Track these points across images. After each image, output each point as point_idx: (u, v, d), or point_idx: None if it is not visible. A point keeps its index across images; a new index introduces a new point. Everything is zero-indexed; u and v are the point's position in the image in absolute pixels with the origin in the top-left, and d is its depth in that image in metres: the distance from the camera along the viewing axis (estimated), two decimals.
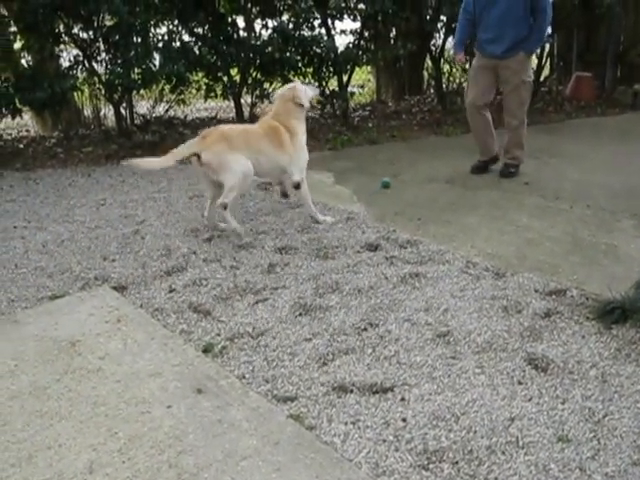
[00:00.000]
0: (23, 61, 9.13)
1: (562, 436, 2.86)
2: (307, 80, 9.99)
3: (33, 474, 2.68)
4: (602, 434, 2.88)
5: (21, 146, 9.24)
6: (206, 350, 3.62)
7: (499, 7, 6.64)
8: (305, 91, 5.62)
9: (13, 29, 8.72)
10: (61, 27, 8.63)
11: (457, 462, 2.71)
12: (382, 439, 2.87)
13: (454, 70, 12.38)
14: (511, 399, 3.13)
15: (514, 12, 6.60)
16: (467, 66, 11.63)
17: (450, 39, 11.42)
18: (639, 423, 2.94)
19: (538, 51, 10.64)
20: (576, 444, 2.81)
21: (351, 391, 3.21)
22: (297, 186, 5.55)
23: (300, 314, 4.02)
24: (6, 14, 8.69)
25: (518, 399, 3.13)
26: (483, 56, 6.98)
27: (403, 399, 3.15)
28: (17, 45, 9.15)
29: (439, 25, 11.13)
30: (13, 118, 8.67)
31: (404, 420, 2.99)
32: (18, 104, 8.29)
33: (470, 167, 7.40)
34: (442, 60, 11.77)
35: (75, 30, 8.74)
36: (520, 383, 3.27)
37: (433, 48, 11.56)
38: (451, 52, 11.99)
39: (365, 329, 3.81)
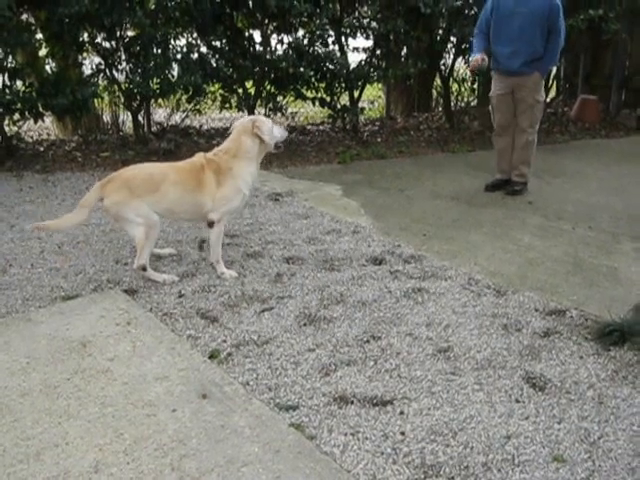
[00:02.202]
0: (47, 67, 9.27)
1: (557, 456, 2.94)
2: (319, 95, 10.10)
3: (40, 471, 2.76)
4: (597, 455, 2.95)
5: (41, 149, 9.36)
6: (212, 356, 3.71)
7: (517, 23, 6.79)
8: (270, 127, 5.03)
9: (39, 36, 8.87)
10: (85, 36, 8.78)
11: (453, 477, 2.79)
12: (380, 451, 2.95)
13: (462, 89, 12.48)
14: (508, 417, 3.21)
15: (531, 29, 6.77)
16: (472, 81, 11.78)
17: (459, 60, 11.56)
18: (634, 446, 3.02)
19: None
20: (571, 464, 2.89)
21: (352, 402, 3.30)
22: (211, 224, 4.84)
23: (305, 324, 4.11)
24: (33, 22, 8.83)
25: (515, 417, 3.21)
26: (499, 75, 7.11)
27: (402, 412, 3.23)
28: (42, 52, 9.31)
29: (449, 45, 11.26)
30: (35, 122, 8.79)
31: (403, 433, 3.07)
32: (41, 108, 8.44)
33: (485, 185, 7.49)
34: (451, 79, 11.89)
35: (98, 39, 8.90)
36: (518, 401, 3.34)
37: (443, 67, 11.67)
38: (460, 72, 12.15)
39: (368, 341, 3.90)
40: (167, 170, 4.78)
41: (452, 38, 10.91)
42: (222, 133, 10.48)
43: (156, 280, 4.70)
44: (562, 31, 6.82)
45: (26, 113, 8.48)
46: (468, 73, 12.01)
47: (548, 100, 12.19)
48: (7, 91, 8.30)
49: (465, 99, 12.60)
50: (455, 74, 12.09)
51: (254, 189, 5.42)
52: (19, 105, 8.33)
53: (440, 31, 10.73)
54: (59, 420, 3.11)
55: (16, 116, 8.57)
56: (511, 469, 2.84)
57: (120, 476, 2.74)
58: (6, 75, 8.43)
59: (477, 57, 7.08)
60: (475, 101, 12.54)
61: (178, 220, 5.45)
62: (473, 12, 10.06)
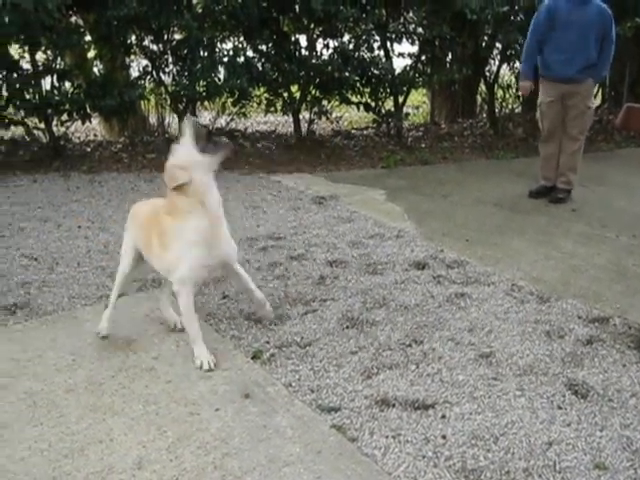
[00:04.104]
0: (95, 69, 9.44)
1: (599, 463, 2.91)
2: (364, 99, 10.12)
3: (85, 466, 2.81)
4: (639, 464, 2.92)
5: (88, 149, 9.53)
6: (255, 356, 3.75)
7: (572, 31, 6.77)
8: (190, 158, 3.59)
9: (87, 39, 9.03)
10: (133, 39, 8.95)
11: None
12: (422, 454, 2.95)
13: (507, 96, 12.40)
14: (550, 423, 3.19)
15: (586, 37, 6.77)
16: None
17: (504, 66, 11.50)
18: None
19: None
20: (613, 472, 2.86)
21: (393, 405, 3.31)
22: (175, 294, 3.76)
23: (347, 327, 4.13)
24: (82, 24, 9.00)
25: (557, 424, 3.19)
26: (550, 82, 7.08)
27: (444, 416, 3.23)
28: (90, 54, 9.48)
29: (494, 52, 11.22)
30: (83, 123, 8.97)
31: (444, 437, 3.07)
32: (88, 109, 8.62)
33: (529, 191, 7.45)
34: (496, 85, 11.83)
35: (146, 42, 9.05)
36: (560, 408, 3.32)
37: (487, 74, 11.63)
38: (504, 78, 12.05)
39: (410, 345, 3.90)
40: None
41: (497, 44, 10.88)
42: (267, 136, 10.59)
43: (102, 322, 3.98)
44: (614, 39, 6.82)
45: (74, 114, 8.67)
46: (513, 79, 11.93)
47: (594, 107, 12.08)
48: (56, 92, 8.49)
49: (510, 105, 12.52)
50: (500, 80, 12.02)
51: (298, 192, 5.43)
52: (67, 106, 8.52)
53: (485, 37, 10.70)
54: (103, 416, 3.17)
55: (64, 117, 8.75)
56: (552, 475, 2.82)
57: (163, 473, 2.77)
58: (55, 76, 8.63)
59: (526, 86, 7.35)
60: (520, 108, 12.44)
61: None
62: (519, 18, 10.00)
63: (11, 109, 8.56)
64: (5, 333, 4.00)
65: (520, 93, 8.85)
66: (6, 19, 7.46)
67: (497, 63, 11.42)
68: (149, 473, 2.78)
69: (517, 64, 10.82)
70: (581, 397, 3.41)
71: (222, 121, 10.46)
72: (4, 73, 8.34)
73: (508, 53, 10.80)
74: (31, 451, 2.89)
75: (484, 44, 10.78)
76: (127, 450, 2.92)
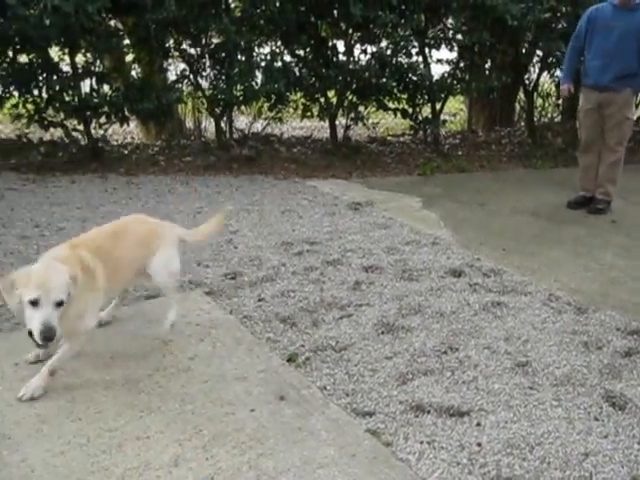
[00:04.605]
0: (133, 72, 9.53)
1: (637, 476, 2.89)
2: (401, 106, 10.12)
3: (122, 462, 2.84)
4: None
5: (125, 152, 9.62)
6: (290, 359, 3.76)
7: (612, 36, 6.74)
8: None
9: (126, 42, 9.14)
10: (171, 42, 9.04)
11: None
12: (456, 461, 2.94)
13: (547, 104, 12.31)
14: (587, 434, 3.16)
15: (626, 45, 6.72)
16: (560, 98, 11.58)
17: (544, 74, 11.41)
18: None
19: None
20: None
21: (428, 412, 3.30)
22: None
23: (383, 332, 4.13)
24: (121, 28, 9.10)
25: (594, 435, 3.16)
26: (589, 89, 7.04)
27: (479, 424, 3.21)
28: (129, 57, 9.59)
29: (534, 59, 11.14)
30: (121, 125, 9.08)
31: (479, 445, 3.06)
32: (126, 112, 8.72)
33: (567, 201, 7.39)
34: (535, 94, 11.75)
35: (184, 46, 9.14)
36: (597, 419, 3.29)
37: (527, 81, 11.55)
38: (544, 86, 11.96)
39: (445, 352, 3.89)
40: None
41: (538, 52, 10.79)
42: (303, 142, 10.62)
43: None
44: None
45: (112, 116, 8.76)
46: (553, 88, 11.85)
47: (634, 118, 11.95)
48: (94, 94, 8.60)
49: (549, 114, 12.44)
50: (540, 89, 11.95)
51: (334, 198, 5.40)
52: (106, 108, 8.62)
53: (526, 44, 10.63)
54: (141, 414, 3.19)
55: (103, 119, 8.84)
56: None
57: (199, 471, 2.79)
58: (94, 79, 8.73)
59: (564, 88, 7.32)
60: (559, 117, 12.35)
61: None
62: (561, 26, 9.93)
63: (51, 111, 8.67)
64: None
65: (559, 101, 8.86)
66: (47, 22, 7.55)
67: (537, 71, 11.35)
68: (185, 471, 2.80)
69: (558, 72, 10.73)
70: (619, 409, 3.38)
71: (258, 126, 10.51)
72: (44, 75, 8.46)
73: (549, 61, 10.71)
74: (70, 445, 2.93)
75: (524, 51, 10.72)
76: (163, 447, 2.94)
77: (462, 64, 10.41)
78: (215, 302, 4.48)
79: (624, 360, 3.87)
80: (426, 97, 10.27)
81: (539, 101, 12.17)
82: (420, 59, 10.04)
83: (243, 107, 9.99)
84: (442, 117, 10.86)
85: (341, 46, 9.79)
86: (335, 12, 9.30)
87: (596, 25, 6.84)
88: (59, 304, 3.05)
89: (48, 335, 2.98)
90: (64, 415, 3.16)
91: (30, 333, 3.03)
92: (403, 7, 9.40)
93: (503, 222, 6.71)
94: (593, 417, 3.31)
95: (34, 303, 2.99)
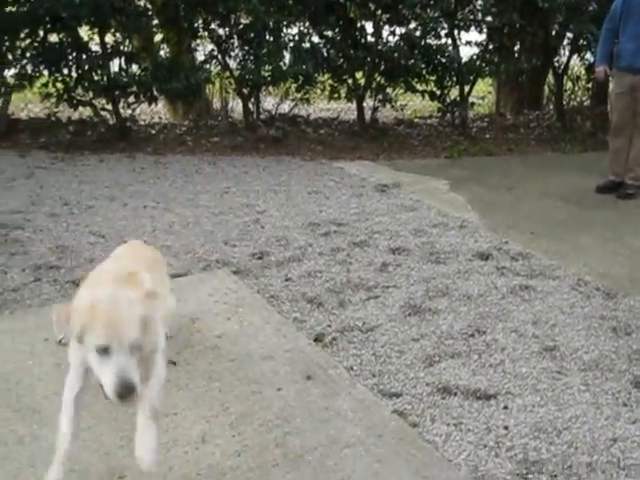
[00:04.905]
0: (162, 52, 9.57)
1: None
2: (429, 88, 10.06)
3: None
4: None
5: (153, 132, 9.67)
6: (317, 339, 3.76)
7: None
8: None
9: (155, 22, 9.15)
10: (199, 22, 9.04)
11: (556, 475, 2.75)
12: (483, 444, 2.93)
13: (576, 88, 12.17)
14: (615, 420, 3.14)
15: None
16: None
17: (574, 57, 11.27)
18: None
19: None
20: None
21: (455, 394, 3.29)
22: None
23: (410, 314, 4.12)
24: (150, 8, 9.12)
25: (622, 420, 3.13)
26: (621, 72, 6.96)
27: (506, 407, 3.20)
28: (157, 37, 9.61)
29: (565, 42, 11.02)
30: (149, 105, 9.15)
31: (506, 428, 3.04)
32: (155, 92, 8.76)
33: (596, 186, 7.31)
34: (565, 77, 11.63)
35: (212, 26, 9.13)
36: (625, 405, 3.26)
37: (556, 64, 11.43)
38: (574, 69, 11.81)
39: (472, 335, 3.88)
40: None
41: (568, 34, 10.68)
42: (329, 123, 10.60)
43: None
44: None
45: (141, 96, 8.80)
46: (583, 71, 11.71)
47: None
48: (123, 74, 8.64)
49: (578, 98, 12.30)
50: (569, 72, 11.81)
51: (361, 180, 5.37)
52: (134, 88, 8.66)
53: (556, 26, 10.51)
54: (169, 391, 3.20)
55: (131, 98, 8.89)
56: (616, 472, 2.78)
57: (226, 448, 2.80)
58: (123, 58, 8.77)
59: (600, 70, 7.21)
60: (589, 101, 12.21)
61: None
62: (592, 8, 9.80)
63: (80, 90, 8.73)
64: None
65: (589, 85, 8.75)
66: (77, 1, 7.59)
67: (567, 54, 11.23)
68: (212, 447, 2.81)
69: (588, 55, 10.60)
70: None
71: (285, 107, 10.50)
72: (74, 55, 8.50)
73: (579, 43, 10.59)
74: (99, 421, 2.95)
75: (554, 33, 10.60)
76: (191, 424, 2.96)
77: (491, 46, 10.34)
78: (242, 281, 4.50)
79: None
80: (454, 79, 10.22)
81: (568, 84, 12.03)
82: (449, 41, 9.98)
83: (271, 88, 10.02)
84: (470, 100, 10.82)
85: (369, 27, 9.77)
86: None
87: (631, 7, 6.75)
88: (136, 348, 2.27)
89: (125, 392, 2.20)
90: (93, 392, 3.18)
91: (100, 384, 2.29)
92: None
93: (531, 206, 6.66)
94: (621, 403, 3.28)
95: (104, 350, 2.21)
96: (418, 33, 9.63)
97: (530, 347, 3.76)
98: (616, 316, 4.18)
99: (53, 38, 8.50)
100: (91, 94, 8.78)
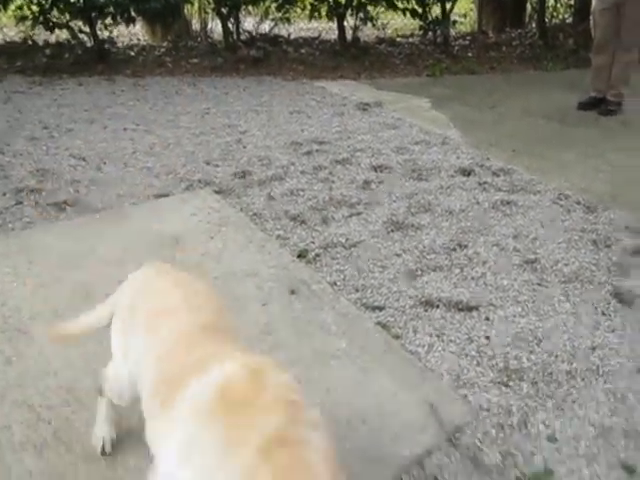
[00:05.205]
0: None
1: None
2: (410, 5, 9.91)
3: None
4: None
5: (132, 54, 9.50)
6: (300, 255, 3.79)
7: None
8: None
9: None
10: None
11: (536, 382, 2.82)
12: (465, 353, 2.99)
13: (558, 5, 12.02)
14: (594, 329, 3.20)
15: None
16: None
17: None
18: None
19: None
20: None
21: (437, 306, 3.34)
22: None
23: (392, 230, 4.14)
24: None
25: (601, 329, 3.20)
26: None
27: (487, 318, 3.26)
28: None
29: None
30: (127, 26, 8.96)
31: (487, 338, 3.10)
32: (132, 13, 8.56)
33: (578, 103, 7.27)
34: None
35: None
36: (604, 314, 3.33)
37: None
38: None
39: (454, 249, 3.91)
40: None
41: None
42: (310, 43, 10.44)
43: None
44: None
45: (118, 17, 8.60)
46: None
47: None
48: None
49: (561, 15, 12.15)
50: None
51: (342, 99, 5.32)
52: (111, 9, 8.46)
53: None
54: None
55: (108, 20, 8.69)
56: (595, 378, 2.85)
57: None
58: None
59: None
60: (571, 18, 12.06)
61: None
62: None
63: (56, 12, 8.53)
64: (56, 228, 4.07)
65: (571, 2, 8.62)
66: None
67: None
68: None
69: None
70: (626, 305, 3.41)
71: (266, 26, 10.33)
72: None
73: None
74: (85, 339, 2.96)
75: None
76: None
77: None
78: (225, 200, 4.49)
79: (633, 258, 3.88)
80: None
81: (551, 1, 11.87)
82: None
83: (250, 7, 9.81)
84: (452, 18, 10.63)
85: None
86: None
87: None
88: None
89: None
90: (80, 310, 3.19)
91: None
92: None
93: (513, 124, 6.64)
94: (601, 312, 3.34)
95: None
96: None
97: (511, 260, 3.81)
98: (596, 229, 4.23)
99: None
100: (67, 16, 8.57)
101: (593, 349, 3.05)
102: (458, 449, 2.48)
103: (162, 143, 5.63)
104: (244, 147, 5.58)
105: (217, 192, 4.62)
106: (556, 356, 2.99)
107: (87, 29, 8.78)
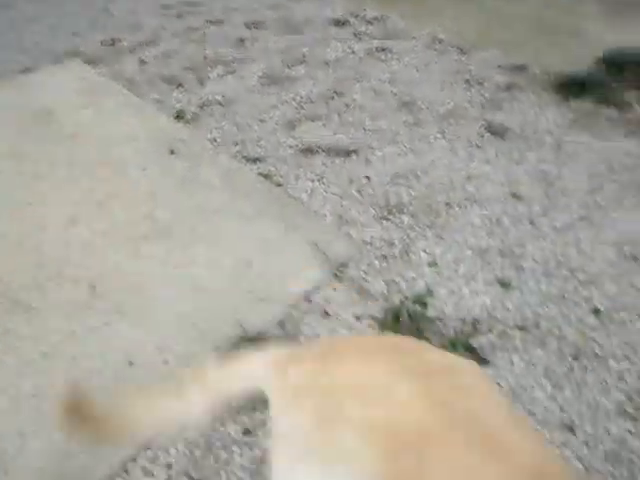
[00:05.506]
0: None
1: (515, 193, 3.08)
2: None
3: (17, 227, 2.84)
4: (553, 193, 3.10)
5: None
6: (178, 116, 3.74)
7: None
8: None
9: None
10: None
11: (416, 214, 2.93)
12: (347, 194, 3.07)
13: None
14: (469, 161, 3.32)
15: None
16: None
17: None
18: (590, 184, 3.17)
19: None
20: (529, 200, 3.04)
21: (317, 153, 3.39)
22: None
23: (268, 84, 4.11)
24: None
25: (476, 161, 3.32)
26: None
27: (367, 160, 3.33)
28: None
29: None
30: None
31: (368, 178, 3.18)
32: None
33: None
34: None
35: None
36: (478, 147, 3.45)
37: None
38: None
39: (332, 98, 3.93)
40: None
41: None
42: None
43: None
44: None
45: None
46: None
47: None
48: None
49: None
50: None
51: None
52: None
53: None
54: (28, 184, 3.14)
55: None
56: (470, 205, 2.99)
57: (95, 227, 2.84)
58: None
59: None
60: None
61: None
62: None
63: None
64: None
65: None
66: None
67: None
68: (82, 227, 2.84)
69: None
70: (499, 137, 3.54)
71: None
72: None
73: None
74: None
75: None
76: (58, 209, 2.96)
77: None
78: (95, 70, 4.32)
79: (504, 94, 3.99)
80: None
81: None
82: None
83: None
84: None
85: None
86: None
87: None
88: None
89: None
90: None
91: None
92: None
93: None
94: (475, 145, 3.46)
95: None
96: None
97: (388, 103, 3.86)
98: (469, 69, 4.31)
99: None
100: None
101: (469, 179, 3.18)
102: (344, 282, 2.58)
103: (23, 17, 5.33)
104: (112, 15, 5.33)
105: (87, 62, 4.44)
106: (434, 189, 3.11)
107: None
